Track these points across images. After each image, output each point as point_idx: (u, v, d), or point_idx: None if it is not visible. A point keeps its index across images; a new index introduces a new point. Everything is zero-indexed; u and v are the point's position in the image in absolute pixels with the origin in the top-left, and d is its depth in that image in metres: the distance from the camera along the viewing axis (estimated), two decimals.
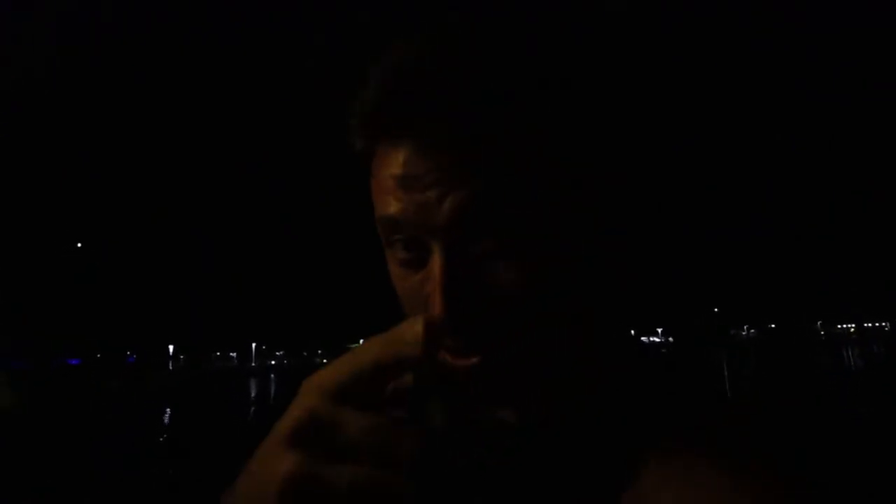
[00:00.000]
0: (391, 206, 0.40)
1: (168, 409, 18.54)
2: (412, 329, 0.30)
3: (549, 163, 0.39)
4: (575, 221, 0.41)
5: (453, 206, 0.37)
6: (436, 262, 0.39)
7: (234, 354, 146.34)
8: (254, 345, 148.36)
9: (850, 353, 42.70)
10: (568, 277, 0.41)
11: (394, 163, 0.39)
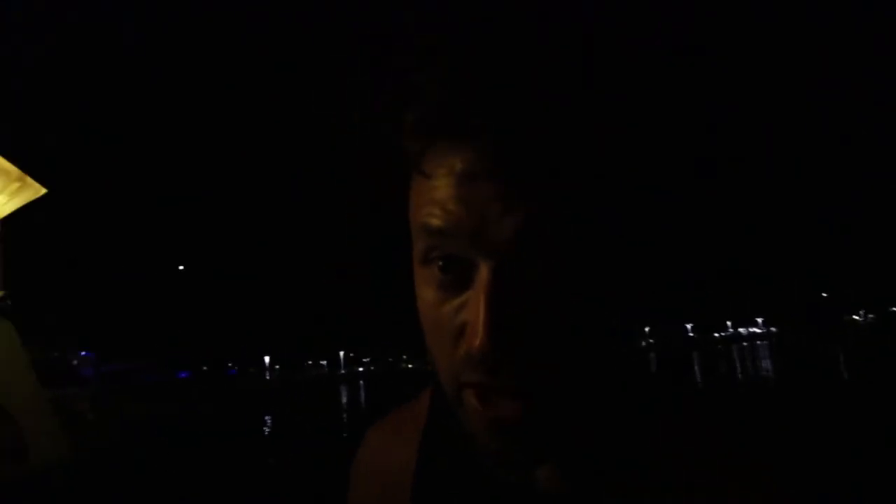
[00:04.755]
0: (439, 217, 0.35)
1: (268, 417, 19.61)
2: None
3: (609, 189, 0.35)
4: (623, 253, 0.37)
5: (517, 222, 0.32)
6: (481, 285, 0.33)
7: (324, 363, 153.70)
8: (342, 353, 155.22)
9: None
10: (614, 314, 0.37)
11: (453, 167, 0.34)
